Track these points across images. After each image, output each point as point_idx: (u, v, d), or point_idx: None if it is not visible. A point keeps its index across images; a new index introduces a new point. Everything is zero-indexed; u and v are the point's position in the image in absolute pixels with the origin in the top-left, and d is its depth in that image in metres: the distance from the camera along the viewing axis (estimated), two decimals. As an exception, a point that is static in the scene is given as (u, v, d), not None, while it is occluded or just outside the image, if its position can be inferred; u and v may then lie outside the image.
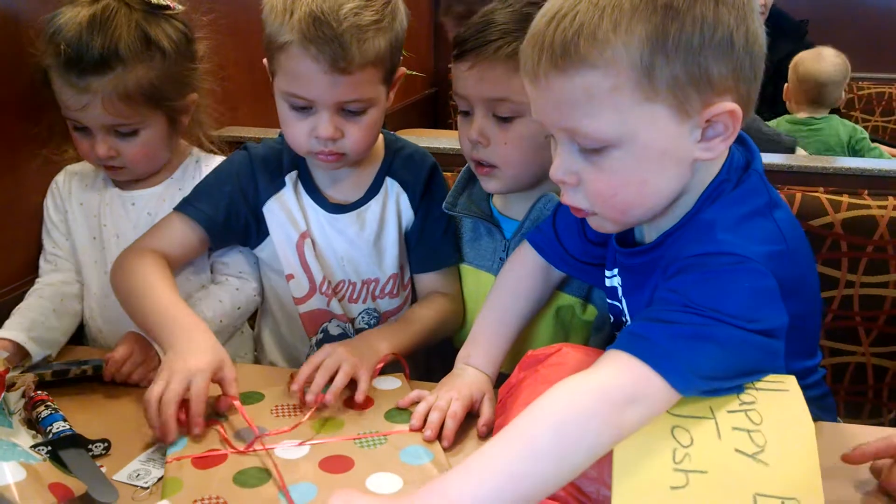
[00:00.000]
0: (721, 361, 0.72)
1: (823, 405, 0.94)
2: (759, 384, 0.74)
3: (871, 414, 1.41)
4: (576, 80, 0.75)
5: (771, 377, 0.75)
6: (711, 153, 0.78)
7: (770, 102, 2.70)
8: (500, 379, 1.01)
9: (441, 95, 3.64)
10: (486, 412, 0.97)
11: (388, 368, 1.27)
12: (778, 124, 2.51)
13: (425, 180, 1.23)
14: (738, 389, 0.73)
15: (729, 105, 0.75)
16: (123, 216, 1.27)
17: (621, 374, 0.70)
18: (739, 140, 0.86)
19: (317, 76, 1.04)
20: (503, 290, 1.09)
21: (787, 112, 2.59)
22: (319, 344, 1.25)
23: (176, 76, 1.20)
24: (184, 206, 1.16)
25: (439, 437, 0.93)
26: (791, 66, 2.56)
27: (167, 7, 1.19)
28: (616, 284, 0.95)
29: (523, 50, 0.79)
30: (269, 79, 1.12)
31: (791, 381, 0.75)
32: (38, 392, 0.98)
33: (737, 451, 0.69)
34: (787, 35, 2.73)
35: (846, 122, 2.52)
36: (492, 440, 0.69)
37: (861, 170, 1.45)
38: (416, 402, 0.99)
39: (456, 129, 1.12)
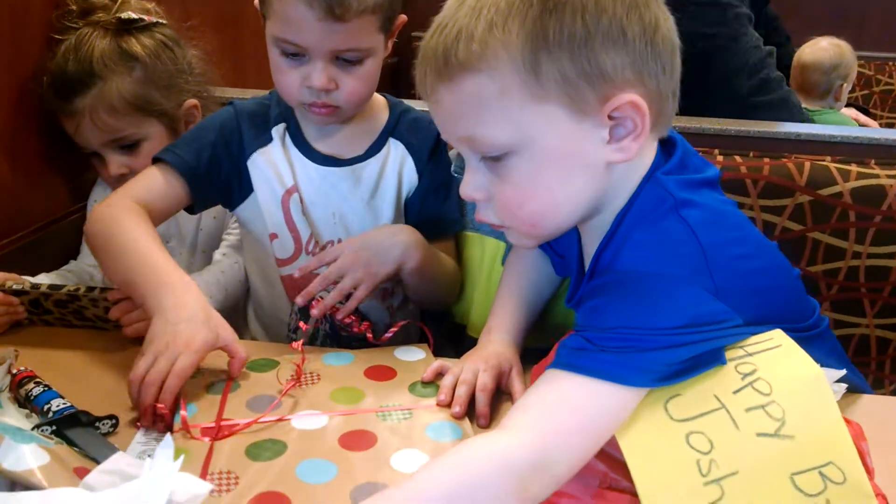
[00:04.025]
0: (666, 358, 0.67)
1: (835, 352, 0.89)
2: (749, 348, 0.70)
3: (874, 385, 1.41)
4: (462, 87, 0.71)
5: (756, 337, 0.71)
6: (624, 154, 0.72)
7: None
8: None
9: (403, 66, 3.54)
10: (518, 390, 0.90)
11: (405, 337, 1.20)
12: None
13: (432, 145, 1.18)
14: (723, 360, 0.69)
15: (628, 96, 0.70)
16: None
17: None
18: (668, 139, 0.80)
19: (310, 23, 0.98)
20: (514, 272, 1.05)
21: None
22: (302, 312, 1.18)
23: (160, 82, 1.24)
24: (164, 153, 1.09)
25: (469, 412, 0.87)
26: None
27: (139, 20, 1.23)
28: None
29: (416, 71, 0.76)
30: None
31: (779, 334, 0.72)
32: (22, 368, 0.88)
33: (759, 435, 0.66)
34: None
35: (847, 120, 2.41)
36: (402, 485, 0.65)
37: (868, 139, 1.43)
38: (439, 374, 0.94)
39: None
